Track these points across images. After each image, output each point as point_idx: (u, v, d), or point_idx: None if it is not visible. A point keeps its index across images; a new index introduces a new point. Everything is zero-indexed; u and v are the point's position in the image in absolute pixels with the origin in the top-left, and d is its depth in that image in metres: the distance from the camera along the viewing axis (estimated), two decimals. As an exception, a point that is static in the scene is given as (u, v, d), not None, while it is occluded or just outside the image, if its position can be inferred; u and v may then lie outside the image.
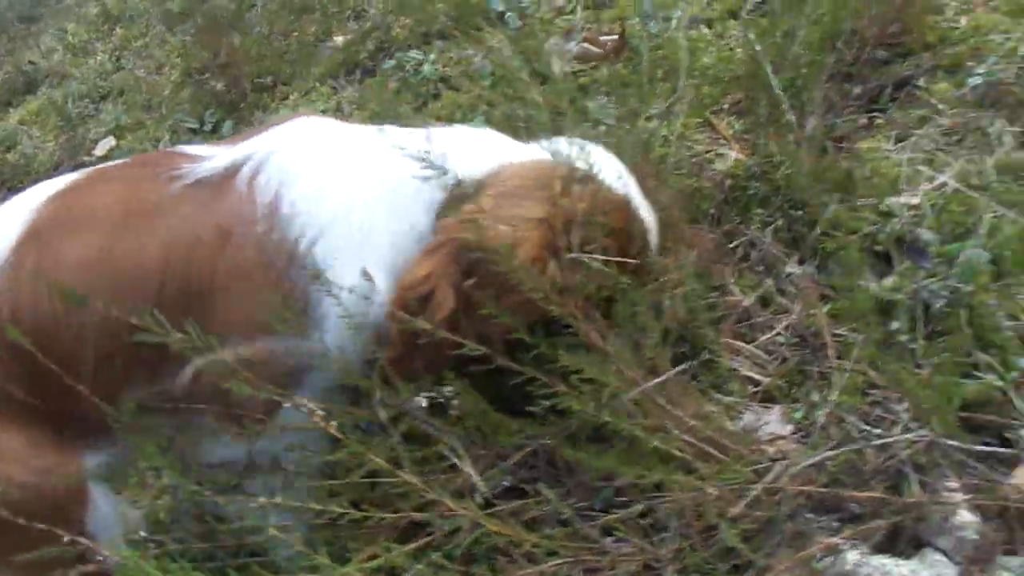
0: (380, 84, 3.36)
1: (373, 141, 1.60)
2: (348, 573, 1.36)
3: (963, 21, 2.51)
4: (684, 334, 1.76)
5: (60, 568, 1.40)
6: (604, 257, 1.49)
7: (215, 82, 3.96)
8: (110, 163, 1.80)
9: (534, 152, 1.60)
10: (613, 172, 1.64)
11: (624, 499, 1.56)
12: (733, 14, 2.97)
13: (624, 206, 1.61)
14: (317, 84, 3.80)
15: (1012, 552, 1.39)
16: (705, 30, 2.94)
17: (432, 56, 3.47)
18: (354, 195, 1.56)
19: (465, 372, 1.55)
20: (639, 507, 1.51)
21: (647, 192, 1.70)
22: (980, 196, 1.89)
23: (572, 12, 3.39)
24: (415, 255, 1.51)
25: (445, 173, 1.46)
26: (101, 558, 1.44)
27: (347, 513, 1.41)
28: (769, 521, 1.43)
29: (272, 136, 1.64)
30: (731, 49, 2.78)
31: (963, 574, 1.35)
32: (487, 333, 1.45)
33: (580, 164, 1.54)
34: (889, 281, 1.82)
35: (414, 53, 3.52)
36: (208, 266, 1.54)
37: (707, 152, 2.26)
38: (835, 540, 1.40)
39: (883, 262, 1.88)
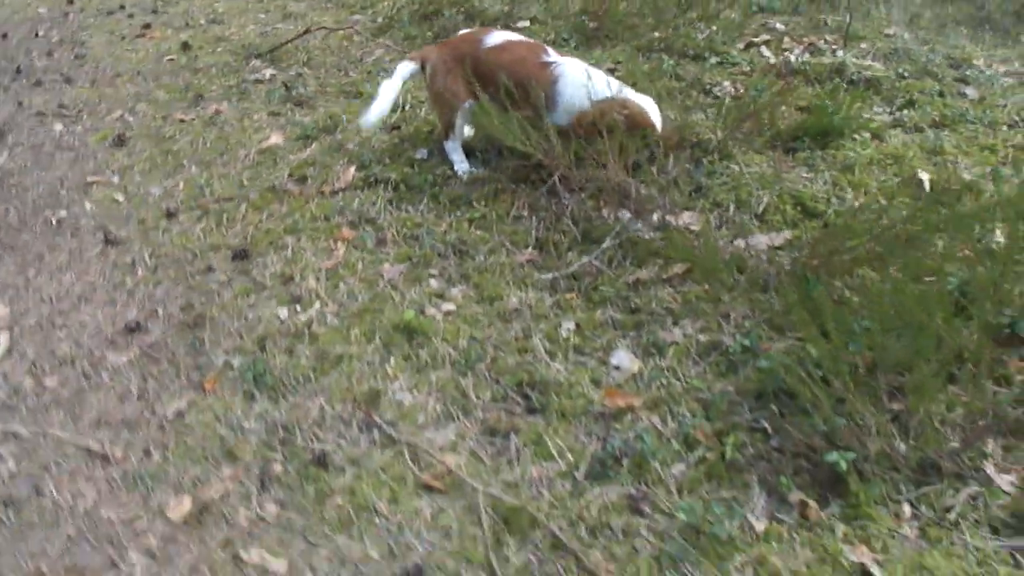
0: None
1: (593, 70, 4.10)
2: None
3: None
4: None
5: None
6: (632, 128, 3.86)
7: (591, 23, 6.52)
8: (521, 38, 4.41)
9: (629, 91, 4.00)
10: (648, 103, 3.98)
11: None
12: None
13: (645, 114, 3.92)
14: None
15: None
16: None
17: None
18: (584, 74, 3.98)
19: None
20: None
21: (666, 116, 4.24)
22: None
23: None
24: (588, 107, 3.94)
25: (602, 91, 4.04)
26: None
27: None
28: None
29: (568, 59, 4.14)
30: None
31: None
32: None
33: (637, 100, 4.01)
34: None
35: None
36: (533, 77, 4.03)
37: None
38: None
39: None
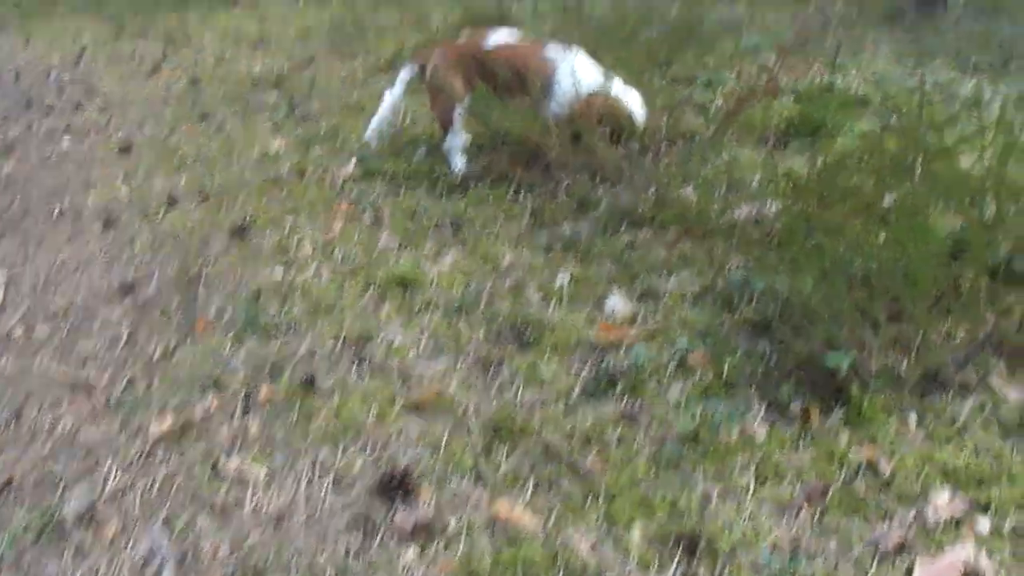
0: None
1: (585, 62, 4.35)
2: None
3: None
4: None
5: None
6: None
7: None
8: (522, 35, 4.62)
9: (616, 84, 4.19)
10: (633, 98, 4.20)
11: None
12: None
13: (627, 110, 4.14)
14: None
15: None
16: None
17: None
18: (576, 68, 4.18)
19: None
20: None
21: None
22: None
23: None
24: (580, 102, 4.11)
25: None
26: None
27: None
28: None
29: (570, 53, 4.29)
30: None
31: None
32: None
33: (624, 93, 4.29)
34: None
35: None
36: (531, 72, 4.25)
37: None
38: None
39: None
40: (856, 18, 8.53)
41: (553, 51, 4.33)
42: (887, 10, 8.88)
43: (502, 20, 8.18)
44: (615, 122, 4.08)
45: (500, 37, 4.54)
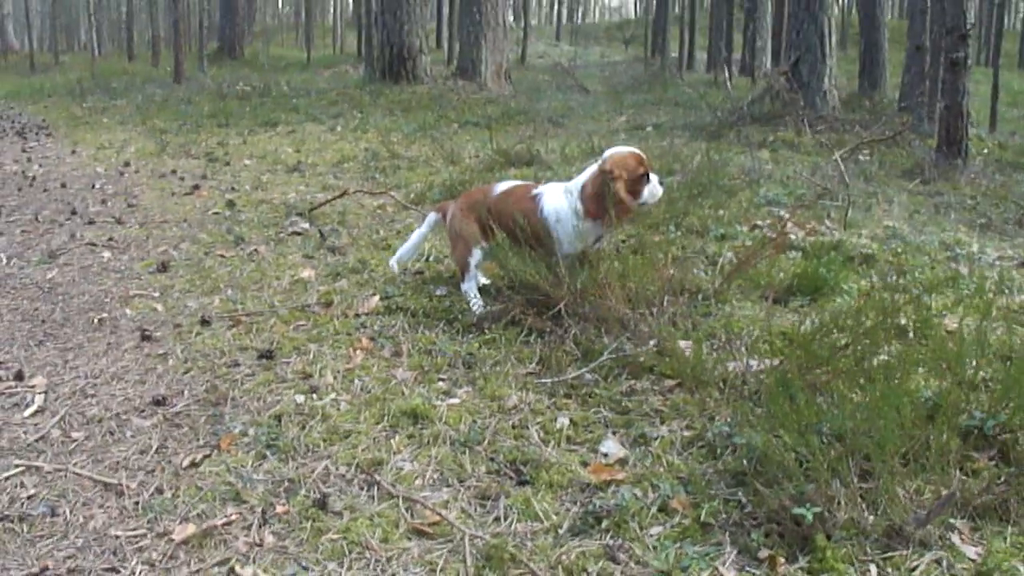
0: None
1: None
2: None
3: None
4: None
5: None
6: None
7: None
8: (521, 182, 5.13)
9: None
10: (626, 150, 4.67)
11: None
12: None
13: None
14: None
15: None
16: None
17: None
18: (561, 203, 4.73)
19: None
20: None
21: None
22: None
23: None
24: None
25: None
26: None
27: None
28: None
29: (547, 187, 4.84)
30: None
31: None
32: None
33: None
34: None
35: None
36: (527, 213, 4.70)
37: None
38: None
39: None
40: (876, 171, 8.98)
41: (540, 188, 4.83)
42: (908, 164, 9.31)
43: (531, 160, 8.68)
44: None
45: (505, 184, 5.01)
